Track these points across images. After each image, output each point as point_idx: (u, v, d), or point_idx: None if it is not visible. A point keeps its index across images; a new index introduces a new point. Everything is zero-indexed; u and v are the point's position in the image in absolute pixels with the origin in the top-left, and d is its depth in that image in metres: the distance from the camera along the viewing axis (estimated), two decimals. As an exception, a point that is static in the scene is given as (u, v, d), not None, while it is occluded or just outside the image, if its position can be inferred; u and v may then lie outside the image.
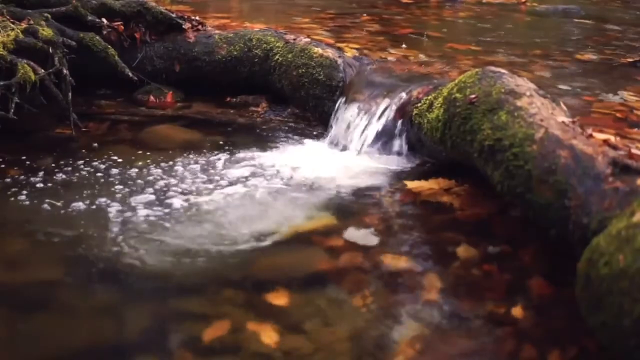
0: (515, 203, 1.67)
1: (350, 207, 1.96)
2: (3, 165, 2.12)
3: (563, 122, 1.65)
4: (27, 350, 1.33)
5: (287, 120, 2.67)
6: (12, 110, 2.24)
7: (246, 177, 2.10)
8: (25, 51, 2.39)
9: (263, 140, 2.45)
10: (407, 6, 5.06)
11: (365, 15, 4.38)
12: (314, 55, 2.64)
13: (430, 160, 2.23)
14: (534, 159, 1.56)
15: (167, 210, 1.87)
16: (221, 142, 2.41)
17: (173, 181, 2.06)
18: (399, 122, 2.27)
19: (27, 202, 1.89)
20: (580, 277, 1.24)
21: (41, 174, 2.07)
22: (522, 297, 1.51)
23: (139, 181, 2.05)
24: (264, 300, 1.50)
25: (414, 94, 2.27)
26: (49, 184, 2.00)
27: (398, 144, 2.27)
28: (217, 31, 2.95)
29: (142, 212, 1.85)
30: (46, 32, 2.47)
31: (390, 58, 2.88)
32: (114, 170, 2.11)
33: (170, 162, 2.19)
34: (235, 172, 2.14)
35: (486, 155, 1.73)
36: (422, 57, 2.99)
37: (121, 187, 2.00)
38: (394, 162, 2.23)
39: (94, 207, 1.87)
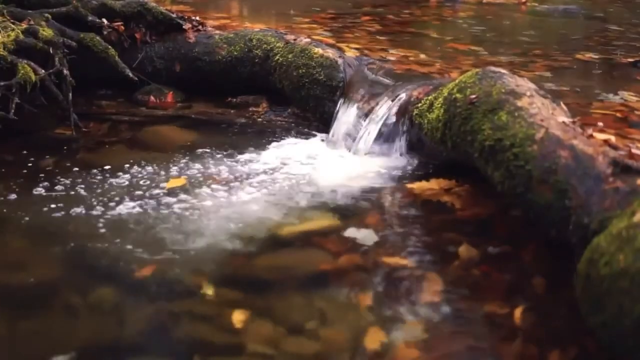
0: (515, 203, 1.67)
1: (351, 207, 1.96)
2: (3, 166, 2.12)
3: (563, 122, 1.65)
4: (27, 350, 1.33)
5: (287, 121, 2.67)
6: (13, 111, 2.24)
7: (246, 178, 2.10)
8: (26, 51, 2.39)
9: (263, 140, 2.45)
10: (408, 6, 5.06)
11: (365, 15, 4.38)
12: (315, 55, 2.64)
13: (430, 160, 2.23)
14: (534, 159, 1.56)
15: (166, 210, 1.87)
16: (221, 143, 2.41)
17: (172, 181, 2.06)
18: (399, 123, 2.27)
19: (27, 202, 1.89)
20: (581, 277, 1.24)
21: (41, 174, 2.07)
22: (522, 297, 1.51)
23: (139, 181, 2.05)
24: (263, 300, 1.50)
25: (414, 94, 2.27)
26: (49, 184, 2.00)
27: (398, 144, 2.27)
28: (217, 31, 2.94)
29: (142, 212, 1.85)
30: (46, 32, 2.47)
31: (390, 58, 2.88)
32: (114, 171, 2.11)
33: (170, 163, 2.19)
34: (235, 173, 2.14)
35: (487, 156, 1.73)
36: (422, 57, 2.99)
37: (121, 187, 2.00)
38: (395, 162, 2.23)
39: (94, 207, 1.87)
